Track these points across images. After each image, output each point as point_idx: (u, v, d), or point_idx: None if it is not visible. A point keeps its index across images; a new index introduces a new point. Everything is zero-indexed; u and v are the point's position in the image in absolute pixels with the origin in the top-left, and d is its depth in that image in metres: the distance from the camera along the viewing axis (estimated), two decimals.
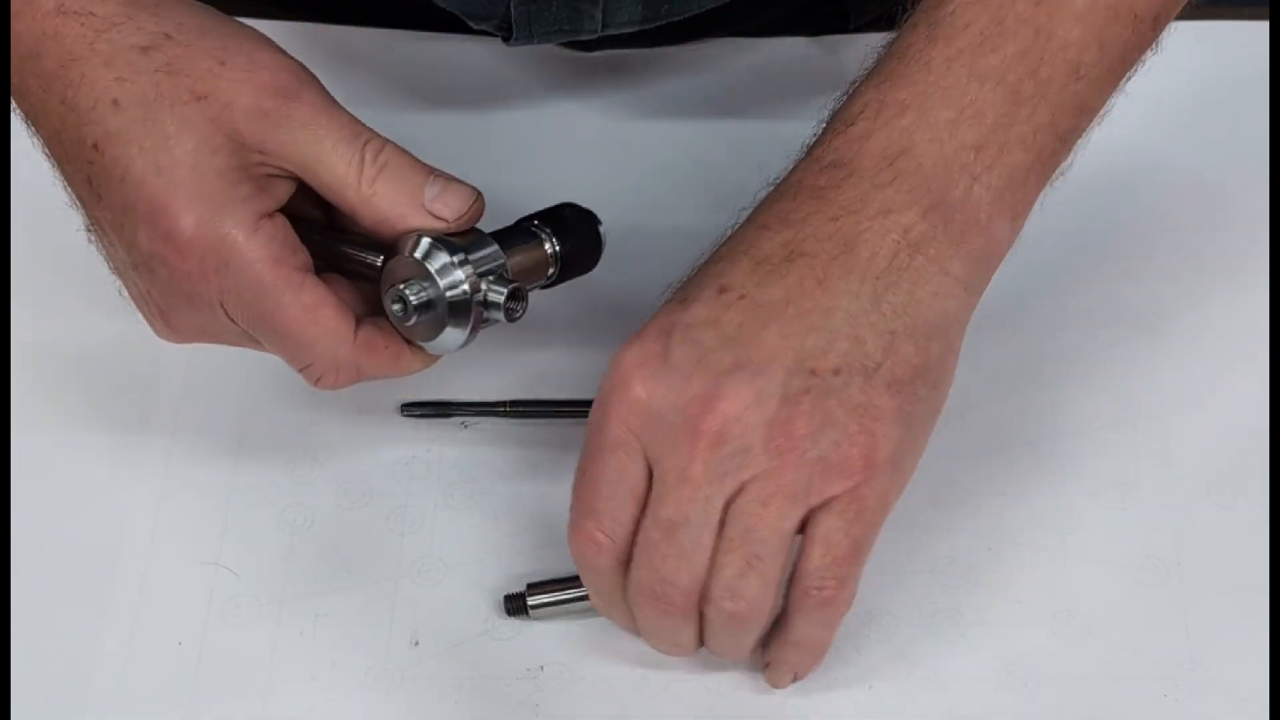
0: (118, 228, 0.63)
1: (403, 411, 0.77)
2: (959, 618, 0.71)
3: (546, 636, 0.71)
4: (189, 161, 0.61)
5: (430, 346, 0.66)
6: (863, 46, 0.67)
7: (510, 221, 0.68)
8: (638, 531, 0.61)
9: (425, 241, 0.63)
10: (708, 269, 0.63)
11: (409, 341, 0.66)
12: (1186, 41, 0.85)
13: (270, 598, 0.72)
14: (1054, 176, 0.64)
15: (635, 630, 0.65)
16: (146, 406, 0.77)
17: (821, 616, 0.62)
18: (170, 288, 0.63)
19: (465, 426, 0.77)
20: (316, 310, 0.63)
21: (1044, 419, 0.75)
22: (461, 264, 0.64)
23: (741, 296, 0.60)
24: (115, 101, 0.61)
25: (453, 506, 0.74)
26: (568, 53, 0.86)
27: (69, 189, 0.65)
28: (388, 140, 0.64)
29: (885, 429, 0.60)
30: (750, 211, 0.64)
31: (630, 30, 0.80)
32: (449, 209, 0.64)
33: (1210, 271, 0.79)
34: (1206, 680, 0.68)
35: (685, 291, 0.62)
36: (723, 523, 0.60)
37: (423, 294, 0.64)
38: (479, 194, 0.65)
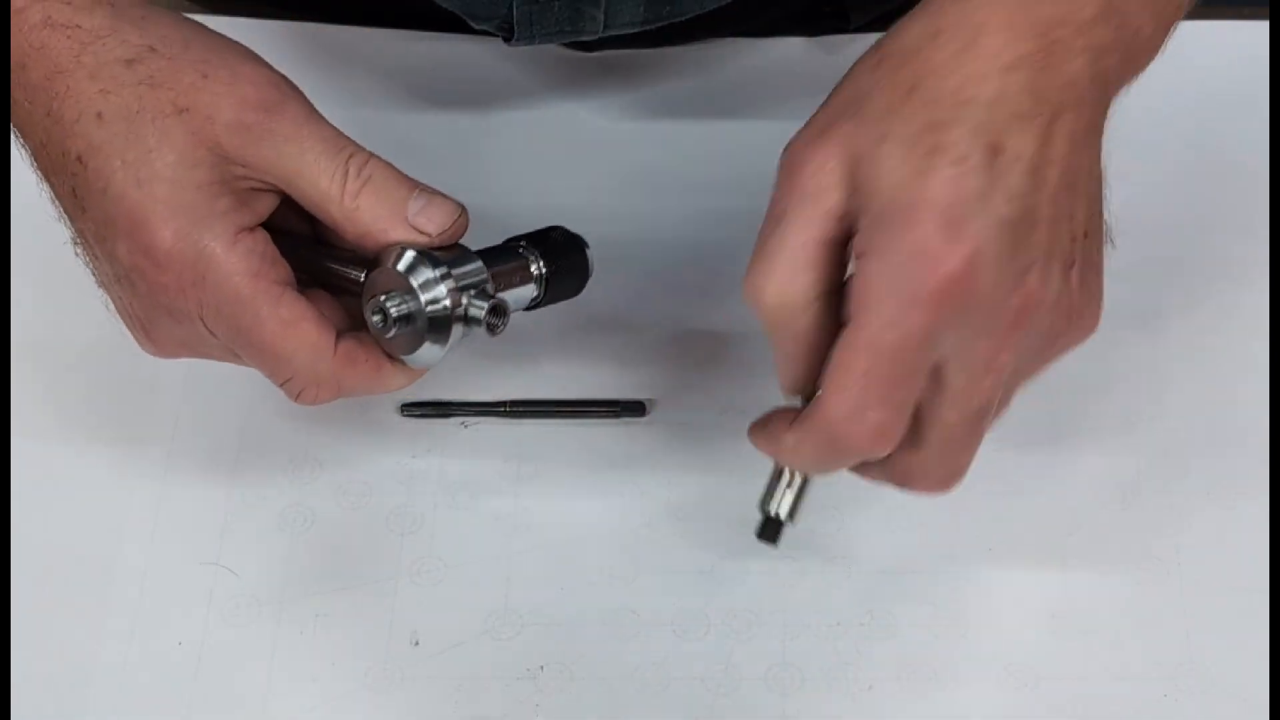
0: (100, 240, 0.63)
1: (403, 411, 0.77)
2: (959, 618, 0.71)
3: (546, 636, 0.71)
4: (169, 175, 0.61)
5: (410, 360, 0.65)
6: (863, 47, 0.66)
7: (508, 223, 0.68)
8: (926, 419, 0.60)
9: (408, 254, 0.63)
10: (960, 113, 0.58)
11: (390, 357, 0.66)
12: (1186, 41, 0.85)
13: (270, 598, 0.72)
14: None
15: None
16: (147, 407, 0.77)
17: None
18: (150, 301, 0.63)
19: (465, 426, 0.77)
20: (296, 324, 0.62)
21: (1044, 419, 0.75)
22: (444, 278, 0.63)
23: (1017, 158, 0.58)
24: (99, 114, 0.61)
25: (452, 506, 0.74)
26: (568, 53, 0.86)
27: (55, 202, 0.65)
28: (372, 154, 0.63)
29: (1102, 282, 0.62)
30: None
31: (631, 31, 0.80)
32: (432, 224, 0.63)
33: (1210, 271, 0.79)
34: (1206, 680, 0.68)
35: (942, 138, 0.57)
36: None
37: (403, 306, 0.63)
38: (463, 209, 0.64)
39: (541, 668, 0.70)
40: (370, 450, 0.76)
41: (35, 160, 0.65)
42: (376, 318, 0.64)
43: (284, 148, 0.62)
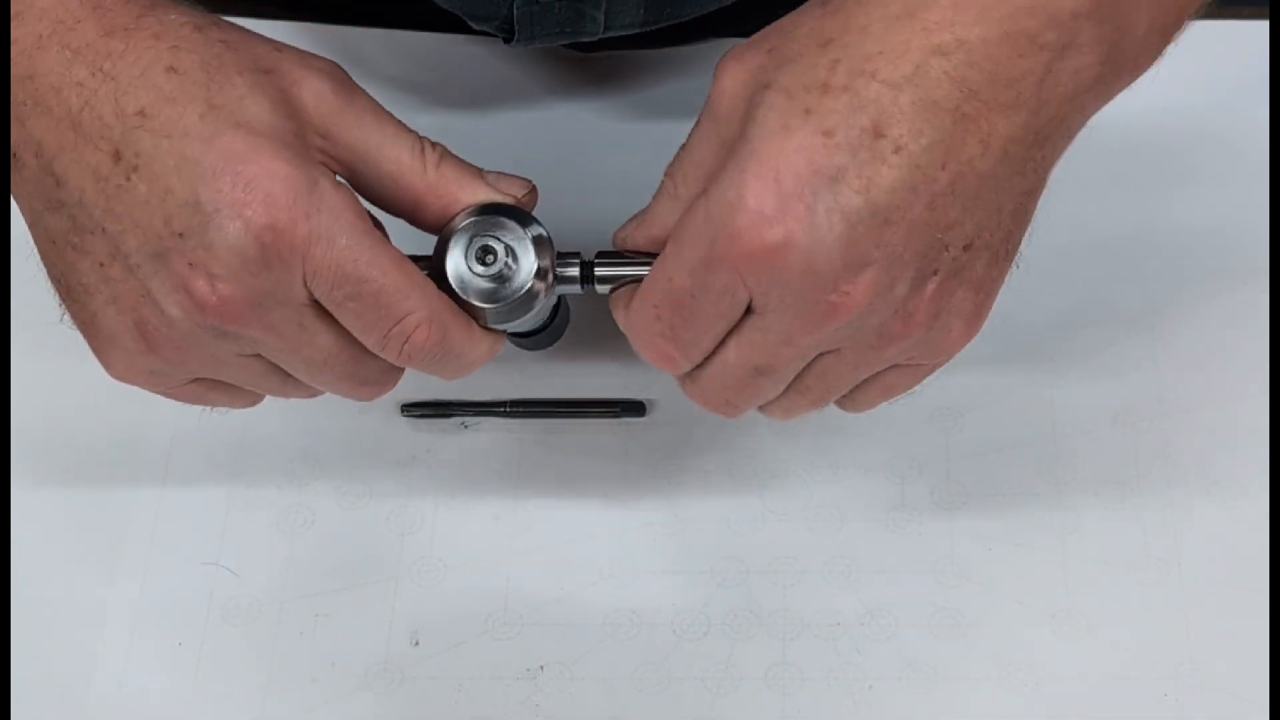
0: (153, 199, 0.56)
1: (403, 411, 0.77)
2: (959, 618, 0.71)
3: (546, 636, 0.71)
4: (267, 119, 0.57)
5: (504, 321, 0.62)
6: None
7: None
8: (715, 350, 0.59)
9: (496, 210, 0.62)
10: (855, 82, 0.54)
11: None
12: (1187, 41, 0.85)
13: (270, 598, 0.72)
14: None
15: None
16: (147, 406, 0.77)
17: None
18: (240, 246, 0.56)
19: (465, 426, 0.77)
20: (405, 263, 0.59)
21: (1044, 419, 0.75)
22: (537, 226, 0.62)
23: (898, 149, 0.54)
24: (171, 68, 0.57)
25: (453, 506, 0.75)
26: (568, 53, 0.86)
27: (57, 193, 0.58)
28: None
29: (989, 303, 0.58)
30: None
31: (632, 32, 0.80)
32: (514, 186, 0.63)
33: (1210, 271, 0.79)
34: (1206, 680, 0.68)
35: (823, 102, 0.54)
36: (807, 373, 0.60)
37: (511, 243, 0.61)
38: (533, 184, 0.64)
39: (541, 668, 0.70)
40: (370, 450, 0.76)
41: (46, 141, 0.58)
42: (478, 265, 0.61)
43: (366, 119, 0.60)
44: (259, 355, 0.61)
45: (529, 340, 0.67)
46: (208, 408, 0.65)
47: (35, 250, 0.62)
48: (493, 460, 0.76)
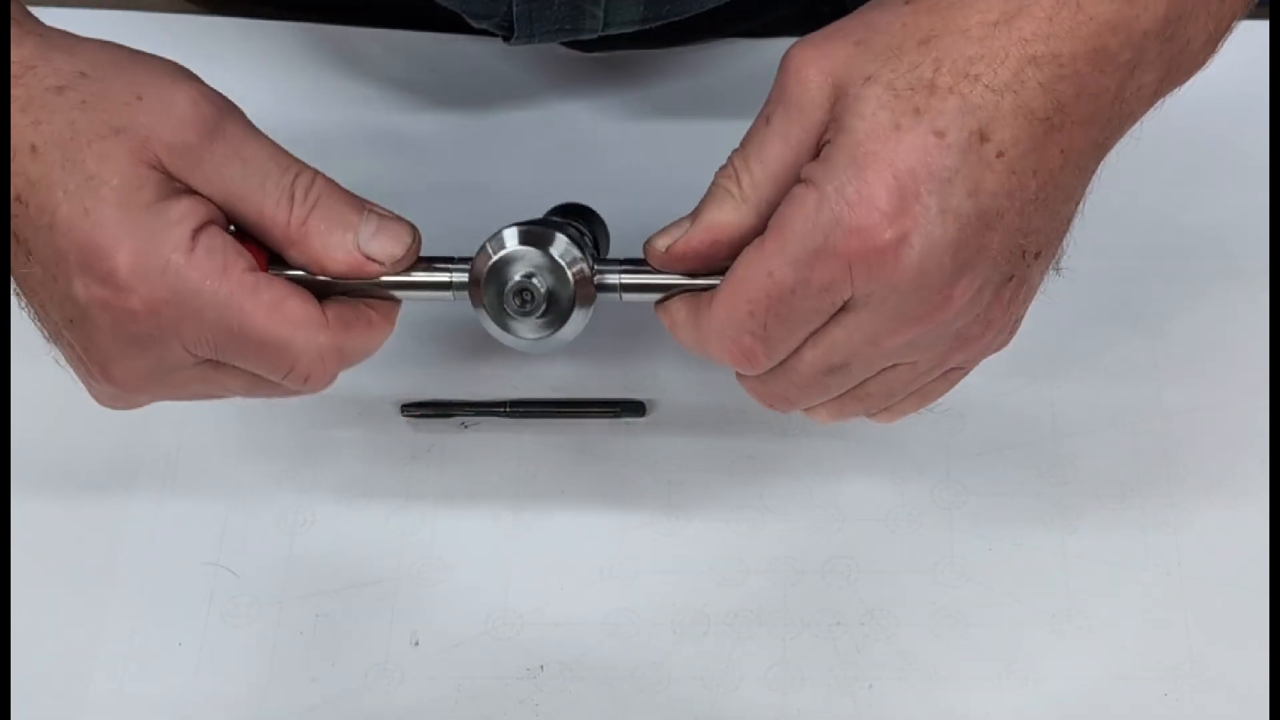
0: (50, 282, 0.59)
1: (403, 411, 0.77)
2: (959, 618, 0.71)
3: (546, 636, 0.71)
4: (114, 199, 0.58)
5: (555, 337, 0.62)
6: None
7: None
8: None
9: (533, 233, 0.61)
10: (961, 85, 0.55)
11: (374, 310, 0.62)
12: None
13: (270, 598, 0.72)
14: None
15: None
16: (148, 407, 0.77)
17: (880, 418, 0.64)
18: (115, 334, 0.59)
19: (465, 426, 0.77)
20: (281, 305, 0.59)
21: (1044, 419, 0.75)
22: (577, 245, 0.61)
23: (1000, 154, 0.55)
24: (33, 147, 0.58)
25: (453, 507, 0.74)
26: (568, 52, 0.86)
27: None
28: (319, 173, 0.60)
29: (1027, 308, 0.60)
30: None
31: (631, 30, 0.80)
32: (384, 252, 0.60)
33: (1210, 271, 0.79)
34: (1206, 680, 0.68)
35: (931, 103, 0.54)
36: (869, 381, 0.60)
37: (548, 280, 0.61)
38: (415, 233, 0.61)
39: (541, 668, 0.70)
40: (370, 450, 0.76)
41: None
42: (515, 301, 0.61)
43: (225, 169, 0.59)
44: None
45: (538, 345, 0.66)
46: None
47: None
48: (493, 460, 0.76)
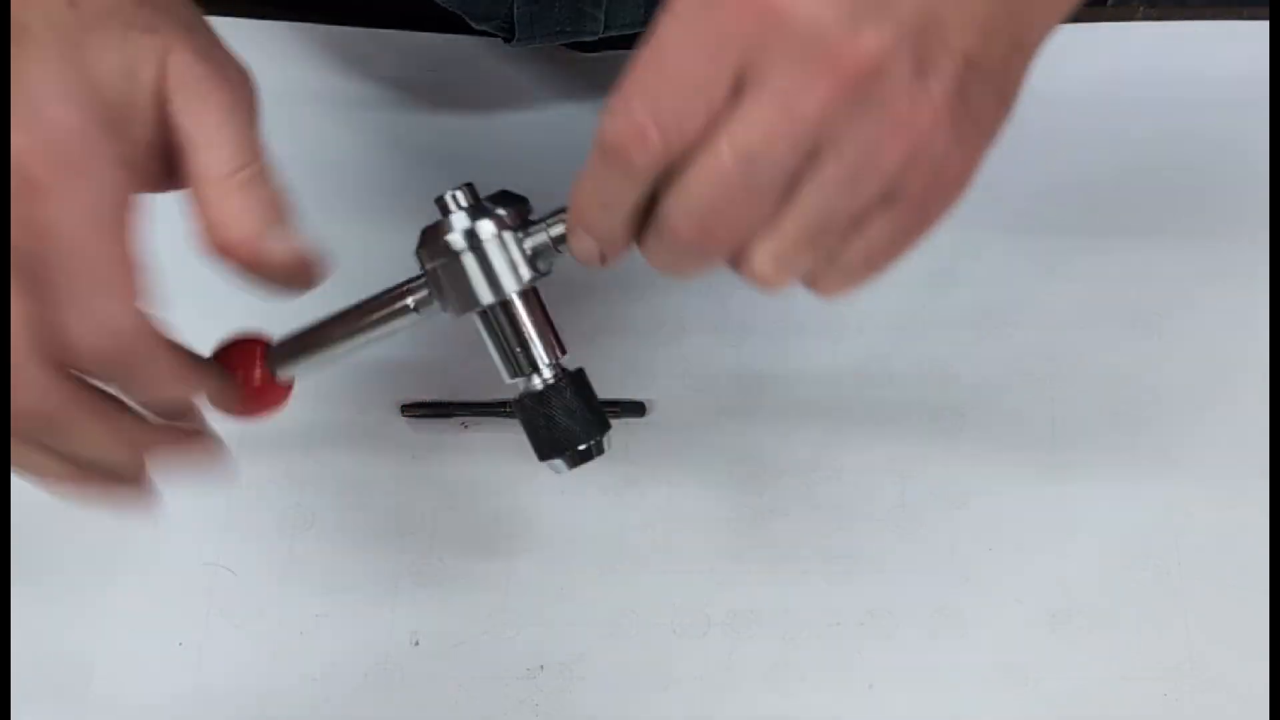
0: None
1: (403, 411, 0.77)
2: (959, 618, 0.71)
3: (546, 636, 0.71)
4: (106, 89, 0.57)
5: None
6: None
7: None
8: (696, 148, 0.53)
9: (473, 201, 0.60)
10: None
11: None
12: (1187, 41, 0.85)
13: (270, 598, 0.72)
14: None
15: (601, 259, 0.58)
16: None
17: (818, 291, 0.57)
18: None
19: (465, 426, 0.77)
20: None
21: (1044, 419, 0.75)
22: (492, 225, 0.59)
23: None
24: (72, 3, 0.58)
25: (453, 507, 0.75)
26: (569, 53, 0.86)
27: None
28: (270, 169, 0.59)
29: (985, 148, 0.54)
30: None
31: (632, 31, 0.80)
32: (276, 257, 0.58)
33: (1210, 271, 0.79)
34: (1206, 680, 0.68)
35: None
36: (797, 187, 0.54)
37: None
38: (318, 263, 0.59)
39: (541, 667, 0.70)
40: (370, 450, 0.76)
41: None
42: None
43: (207, 110, 0.58)
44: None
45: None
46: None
47: None
48: (493, 460, 0.76)
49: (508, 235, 0.59)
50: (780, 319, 0.78)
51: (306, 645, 0.71)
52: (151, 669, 0.70)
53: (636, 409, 0.76)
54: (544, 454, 0.61)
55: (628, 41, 0.83)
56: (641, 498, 0.74)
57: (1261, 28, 0.84)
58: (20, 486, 0.74)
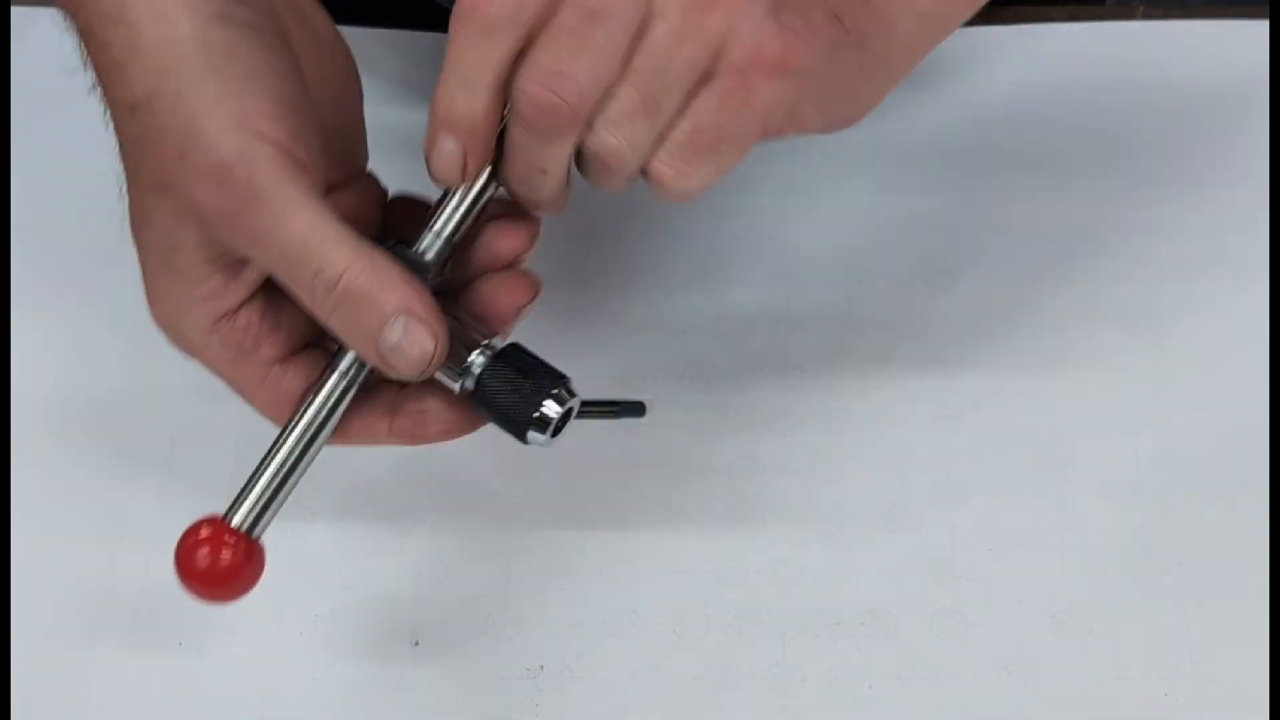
0: None
1: None
2: (959, 618, 0.71)
3: (546, 636, 0.71)
4: (158, 253, 0.58)
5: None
6: None
7: None
8: (545, 15, 0.55)
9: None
10: None
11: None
12: (1187, 41, 0.85)
13: (270, 598, 0.72)
14: None
15: (463, 170, 0.60)
16: (147, 406, 0.77)
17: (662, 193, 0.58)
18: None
19: None
20: (282, 406, 0.62)
21: (1044, 419, 0.75)
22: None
23: None
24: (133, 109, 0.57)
25: (453, 506, 0.74)
26: None
27: None
28: (352, 263, 0.56)
29: (815, 46, 0.57)
30: None
31: None
32: (404, 362, 0.58)
33: (1210, 271, 0.79)
34: (1206, 680, 0.68)
35: None
36: (632, 52, 0.55)
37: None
38: (438, 342, 0.58)
39: (541, 667, 0.70)
40: (370, 450, 0.76)
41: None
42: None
43: (258, 244, 0.56)
44: None
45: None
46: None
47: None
48: (493, 460, 0.75)
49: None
50: (780, 319, 0.78)
51: (306, 645, 0.71)
52: (151, 669, 0.70)
53: (636, 409, 0.76)
54: (521, 436, 0.61)
55: None
56: (641, 498, 0.74)
57: (1261, 28, 0.84)
58: (20, 486, 0.74)
